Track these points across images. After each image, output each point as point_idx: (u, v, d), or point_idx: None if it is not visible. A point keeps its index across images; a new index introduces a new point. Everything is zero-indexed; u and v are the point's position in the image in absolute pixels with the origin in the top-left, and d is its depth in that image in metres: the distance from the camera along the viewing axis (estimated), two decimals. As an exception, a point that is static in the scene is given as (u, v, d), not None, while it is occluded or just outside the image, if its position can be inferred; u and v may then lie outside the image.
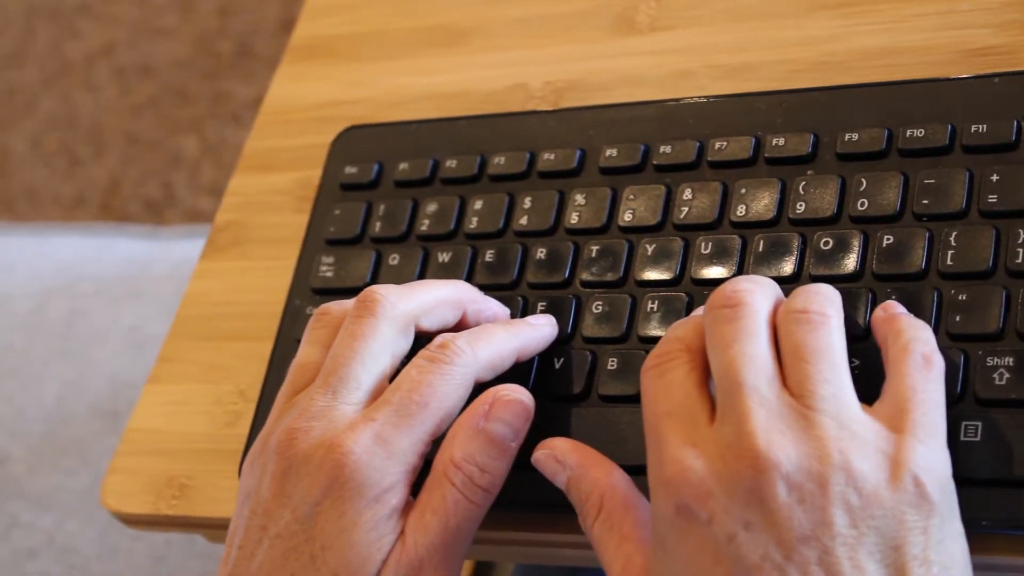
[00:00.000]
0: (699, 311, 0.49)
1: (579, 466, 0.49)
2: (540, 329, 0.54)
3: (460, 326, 0.54)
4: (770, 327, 0.46)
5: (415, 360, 0.51)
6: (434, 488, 0.49)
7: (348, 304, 0.53)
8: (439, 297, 0.53)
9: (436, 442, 0.50)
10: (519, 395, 0.51)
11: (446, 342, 0.51)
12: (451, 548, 0.49)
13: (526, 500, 0.53)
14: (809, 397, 0.43)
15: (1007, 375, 0.48)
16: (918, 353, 0.45)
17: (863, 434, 0.43)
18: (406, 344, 0.52)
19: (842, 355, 0.45)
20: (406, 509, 0.49)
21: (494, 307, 0.55)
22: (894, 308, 0.48)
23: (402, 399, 0.49)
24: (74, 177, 1.81)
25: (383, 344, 0.51)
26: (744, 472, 0.42)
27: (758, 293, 0.47)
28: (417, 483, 0.50)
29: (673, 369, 0.46)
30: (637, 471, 0.51)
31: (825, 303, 0.46)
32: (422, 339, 0.53)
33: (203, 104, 1.83)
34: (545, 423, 0.54)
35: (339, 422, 0.49)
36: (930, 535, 0.41)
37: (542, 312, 0.56)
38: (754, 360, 0.44)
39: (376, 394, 0.50)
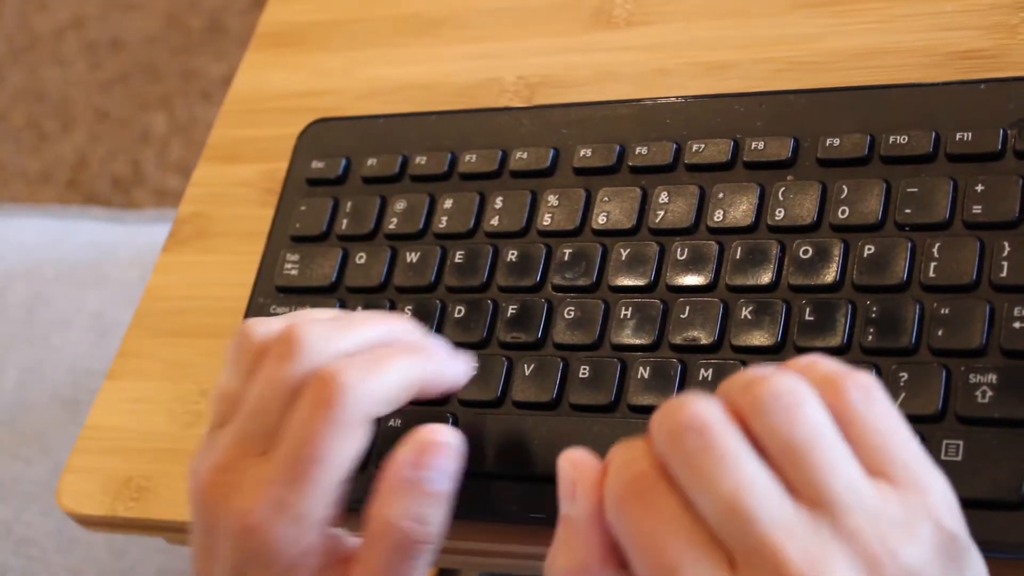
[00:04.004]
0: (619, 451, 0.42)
1: (588, 513, 0.41)
2: (450, 364, 0.50)
3: None
4: (743, 437, 0.39)
5: (299, 402, 0.46)
6: (372, 548, 0.46)
7: (272, 329, 0.49)
8: (369, 339, 0.49)
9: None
10: (445, 437, 0.47)
11: (328, 378, 0.46)
12: None
13: (488, 511, 0.52)
14: (827, 502, 0.38)
15: (990, 392, 0.46)
16: (852, 388, 0.40)
17: (891, 514, 0.39)
18: None
19: (831, 429, 0.39)
20: (330, 565, 0.46)
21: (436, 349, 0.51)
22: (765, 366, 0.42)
23: (292, 457, 0.45)
24: (41, 153, 1.78)
25: (296, 389, 0.47)
26: None
27: (711, 407, 0.39)
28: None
29: (659, 498, 0.39)
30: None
31: (784, 381, 0.40)
32: None
33: (173, 80, 1.80)
34: (513, 433, 0.53)
35: (244, 482, 0.46)
36: None
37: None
38: (754, 486, 0.38)
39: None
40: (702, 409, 0.39)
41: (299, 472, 0.45)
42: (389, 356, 0.48)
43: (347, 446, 0.46)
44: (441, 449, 0.46)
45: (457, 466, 0.47)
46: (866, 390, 0.40)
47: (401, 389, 0.48)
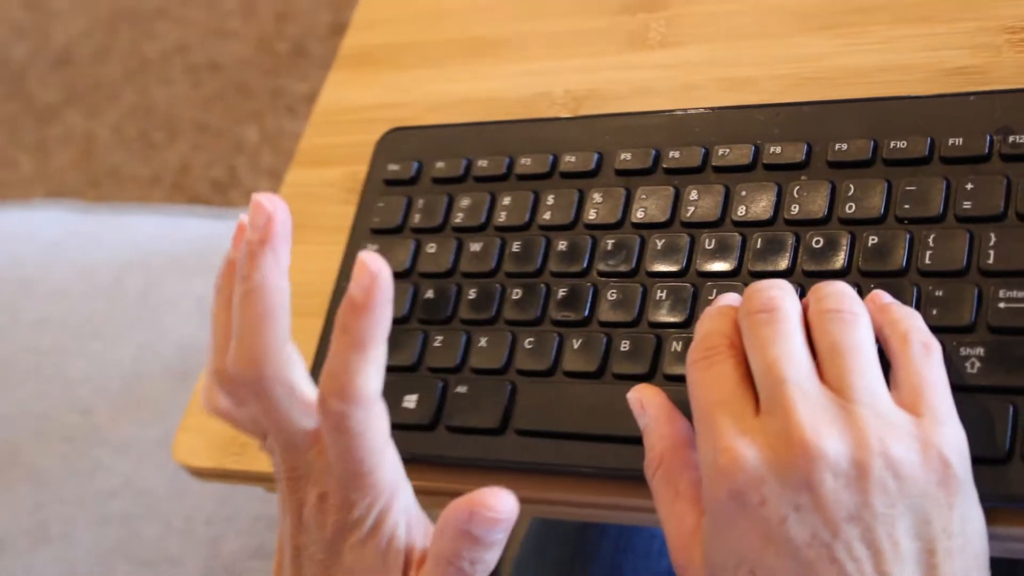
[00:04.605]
0: (723, 300, 0.47)
1: (654, 418, 0.47)
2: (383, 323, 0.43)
3: None
4: (803, 327, 0.44)
5: (324, 434, 0.44)
6: (431, 574, 0.45)
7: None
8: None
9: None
10: (496, 512, 0.43)
11: (330, 412, 0.43)
12: None
13: (540, 465, 0.53)
14: (847, 390, 0.42)
15: (978, 364, 0.46)
16: (917, 343, 0.44)
17: (896, 422, 0.41)
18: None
19: (873, 350, 0.44)
20: (407, 517, 0.46)
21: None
22: (882, 298, 0.47)
23: (343, 471, 0.44)
24: (150, 160, 1.80)
25: (286, 405, 0.44)
26: (796, 461, 0.40)
27: (788, 299, 0.45)
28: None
29: (720, 362, 0.44)
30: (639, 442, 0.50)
31: (855, 303, 0.45)
32: None
33: (263, 98, 1.82)
34: (564, 399, 0.53)
35: (315, 475, 0.45)
36: (954, 509, 0.41)
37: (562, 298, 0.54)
38: (793, 358, 0.43)
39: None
40: (780, 297, 0.45)
41: (354, 476, 0.44)
42: (350, 356, 0.42)
43: (381, 433, 0.44)
44: (490, 521, 0.43)
45: (510, 524, 0.44)
46: (927, 348, 0.44)
47: (381, 375, 0.44)
